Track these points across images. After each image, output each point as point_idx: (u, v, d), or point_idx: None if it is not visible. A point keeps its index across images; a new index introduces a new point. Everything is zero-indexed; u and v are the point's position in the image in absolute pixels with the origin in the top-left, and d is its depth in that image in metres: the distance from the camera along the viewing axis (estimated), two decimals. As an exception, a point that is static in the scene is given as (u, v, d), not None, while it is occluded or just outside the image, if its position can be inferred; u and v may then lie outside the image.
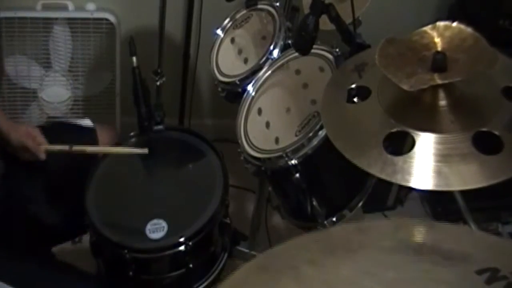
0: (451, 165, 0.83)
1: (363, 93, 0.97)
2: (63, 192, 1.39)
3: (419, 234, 0.66)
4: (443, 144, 0.85)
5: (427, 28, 0.91)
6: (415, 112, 0.90)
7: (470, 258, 0.60)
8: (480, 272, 0.58)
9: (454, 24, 0.89)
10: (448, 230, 0.66)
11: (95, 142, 1.45)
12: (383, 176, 0.85)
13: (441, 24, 0.90)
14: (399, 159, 0.85)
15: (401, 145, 0.91)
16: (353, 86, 1.00)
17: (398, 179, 0.84)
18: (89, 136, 1.46)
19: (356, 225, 0.68)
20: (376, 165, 0.86)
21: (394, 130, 0.88)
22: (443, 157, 0.84)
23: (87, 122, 1.55)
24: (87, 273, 1.34)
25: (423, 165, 0.84)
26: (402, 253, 0.62)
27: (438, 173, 0.82)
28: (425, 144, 0.85)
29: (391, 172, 0.84)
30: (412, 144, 0.86)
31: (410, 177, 0.83)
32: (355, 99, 1.00)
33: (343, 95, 1.00)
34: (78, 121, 1.62)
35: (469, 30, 0.88)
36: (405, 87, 0.84)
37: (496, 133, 0.84)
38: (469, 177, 0.82)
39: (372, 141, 0.89)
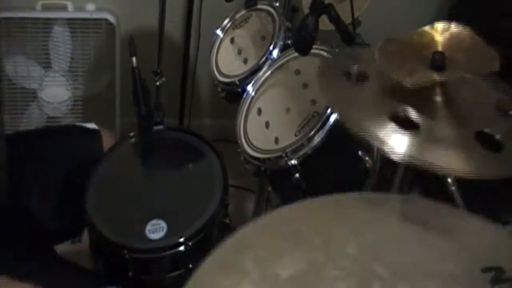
0: (451, 152, 0.82)
1: (360, 78, 0.96)
2: (63, 191, 1.39)
3: (429, 214, 0.65)
4: (444, 133, 0.84)
5: (426, 28, 0.91)
6: (415, 102, 0.89)
7: (477, 252, 0.60)
8: (485, 270, 0.57)
9: (453, 24, 0.89)
10: (457, 213, 0.65)
11: (99, 145, 1.45)
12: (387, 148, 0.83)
13: (439, 24, 0.90)
14: (404, 137, 0.83)
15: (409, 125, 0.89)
16: (351, 70, 0.99)
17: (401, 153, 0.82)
18: (93, 139, 1.47)
19: (365, 197, 0.67)
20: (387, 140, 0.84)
21: (399, 111, 0.87)
22: (449, 142, 0.83)
23: (92, 126, 1.55)
24: (88, 270, 1.34)
25: (425, 145, 0.82)
26: (411, 229, 0.62)
27: (441, 156, 0.81)
28: (428, 130, 0.84)
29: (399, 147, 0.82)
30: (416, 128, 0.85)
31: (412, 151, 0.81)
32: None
33: (340, 76, 0.98)
34: (83, 124, 1.62)
35: (467, 31, 0.88)
36: (407, 84, 0.84)
37: (497, 136, 0.84)
38: (467, 167, 0.81)
39: (378, 118, 0.86)
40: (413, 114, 0.86)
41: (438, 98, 0.89)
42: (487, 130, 0.85)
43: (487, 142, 0.84)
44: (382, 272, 0.57)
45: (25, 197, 1.34)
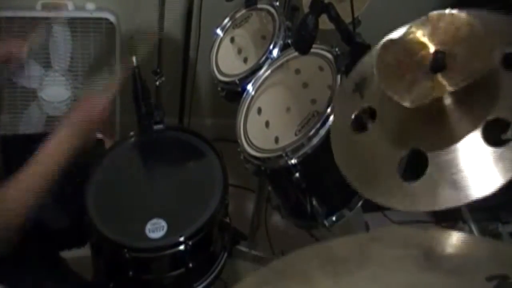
0: (468, 173, 0.80)
1: (369, 115, 0.94)
2: (65, 194, 1.39)
3: (430, 242, 0.66)
4: (455, 153, 0.82)
5: (420, 22, 0.89)
6: (423, 125, 0.87)
7: (481, 265, 0.60)
8: (490, 278, 0.57)
9: (447, 11, 0.87)
10: (457, 237, 0.66)
11: (101, 145, 1.45)
12: (405, 208, 0.81)
13: (434, 14, 0.89)
14: (416, 185, 0.82)
15: (416, 165, 0.87)
16: (357, 112, 0.96)
17: (421, 207, 0.81)
18: (95, 148, 1.46)
19: (367, 235, 0.68)
20: (396, 197, 0.83)
21: (405, 153, 0.85)
22: (459, 167, 0.81)
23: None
24: (91, 282, 1.35)
25: (441, 183, 0.80)
26: (413, 262, 0.62)
27: (460, 186, 0.79)
28: (438, 160, 0.82)
29: (410, 202, 0.81)
30: (426, 164, 0.83)
31: (432, 199, 0.80)
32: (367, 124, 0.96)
33: (349, 124, 0.97)
34: None
35: (462, 16, 0.85)
36: (406, 103, 0.82)
37: (504, 117, 0.81)
38: (488, 178, 0.79)
39: (387, 169, 0.86)
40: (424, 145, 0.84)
41: (448, 101, 0.86)
42: (493, 116, 0.82)
43: (496, 132, 0.82)
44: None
45: None
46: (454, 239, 0.66)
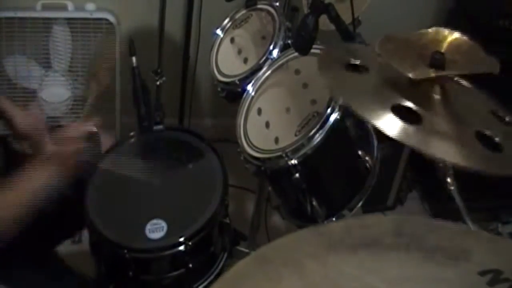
0: (456, 143, 0.83)
1: (361, 69, 0.96)
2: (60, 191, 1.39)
3: (421, 232, 0.66)
4: (445, 124, 0.85)
5: (425, 31, 0.91)
6: (416, 96, 0.89)
7: (473, 258, 0.60)
8: (483, 273, 0.58)
9: (452, 31, 0.90)
10: (451, 229, 0.66)
11: (98, 147, 1.45)
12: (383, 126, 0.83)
13: (439, 29, 0.91)
14: (410, 127, 0.84)
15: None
16: (351, 62, 0.99)
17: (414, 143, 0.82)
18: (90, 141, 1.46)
19: (357, 221, 0.68)
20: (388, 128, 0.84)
21: (402, 102, 0.87)
22: (449, 136, 0.83)
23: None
24: (88, 277, 1.34)
25: (432, 135, 0.83)
26: (404, 250, 0.62)
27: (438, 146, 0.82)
28: (430, 123, 0.85)
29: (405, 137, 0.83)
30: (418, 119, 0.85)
31: (426, 142, 0.82)
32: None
33: (341, 67, 0.98)
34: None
35: (466, 38, 0.88)
36: (410, 74, 0.84)
37: (496, 139, 0.84)
38: (463, 156, 0.82)
39: (380, 107, 0.87)
40: (414, 107, 0.86)
41: (437, 96, 0.89)
42: (487, 133, 0.85)
43: (487, 143, 0.84)
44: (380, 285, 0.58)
45: None
46: (448, 230, 0.66)
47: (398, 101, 0.87)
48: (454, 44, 0.89)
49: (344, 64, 0.98)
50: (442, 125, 0.85)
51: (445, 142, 0.83)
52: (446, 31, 0.91)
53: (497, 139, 0.84)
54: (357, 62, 0.98)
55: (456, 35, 0.90)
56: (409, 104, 0.87)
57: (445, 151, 0.82)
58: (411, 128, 0.83)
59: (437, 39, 0.90)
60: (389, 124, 0.83)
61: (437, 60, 0.86)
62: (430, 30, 0.91)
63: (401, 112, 0.86)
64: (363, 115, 0.85)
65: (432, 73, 0.85)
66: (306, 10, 1.33)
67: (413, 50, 0.89)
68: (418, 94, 0.89)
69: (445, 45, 0.89)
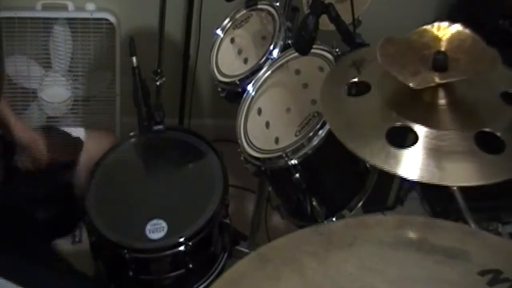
0: (454, 161, 0.83)
1: (363, 88, 0.97)
2: (56, 188, 1.39)
3: (422, 231, 0.66)
4: (445, 141, 0.85)
5: (427, 27, 0.91)
6: (416, 108, 0.90)
7: (473, 259, 0.60)
8: (482, 273, 0.58)
9: (453, 25, 0.89)
10: (451, 229, 0.66)
11: (76, 152, 1.45)
12: (386, 167, 0.84)
13: (440, 24, 0.90)
14: (402, 152, 0.85)
15: (403, 139, 0.90)
16: (353, 80, 1.00)
17: (401, 172, 0.83)
18: (73, 144, 1.47)
19: (357, 221, 0.68)
20: (379, 157, 0.86)
21: (398, 124, 0.88)
22: (446, 153, 0.84)
23: (79, 132, 1.54)
24: (86, 275, 1.34)
25: (427, 159, 0.84)
26: (404, 250, 0.62)
27: (442, 168, 0.82)
28: (428, 140, 0.85)
29: (394, 164, 0.84)
30: (416, 138, 0.86)
31: (414, 170, 0.83)
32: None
33: (343, 89, 1.00)
34: (71, 129, 1.62)
35: (467, 31, 0.88)
36: (412, 84, 0.84)
37: (498, 134, 0.84)
38: (471, 174, 0.82)
39: (375, 133, 0.88)
40: (415, 125, 0.87)
41: (442, 101, 0.89)
42: (488, 129, 0.85)
43: (488, 143, 0.84)
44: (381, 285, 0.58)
45: (13, 196, 1.33)
46: (448, 230, 0.66)
47: (397, 124, 0.88)
48: (456, 40, 0.88)
49: (347, 83, 0.99)
50: (444, 140, 0.85)
51: (447, 162, 0.83)
52: (446, 24, 0.90)
53: (498, 133, 0.84)
54: (357, 80, 0.99)
55: (457, 27, 0.89)
56: (409, 124, 0.88)
57: (448, 172, 0.82)
58: (404, 152, 0.84)
59: (438, 36, 0.89)
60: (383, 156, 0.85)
61: (439, 61, 0.86)
62: (430, 26, 0.91)
63: (399, 133, 0.87)
64: (357, 153, 0.88)
65: (434, 79, 0.85)
66: (306, 10, 1.33)
67: (415, 52, 0.89)
68: (421, 105, 0.89)
69: (446, 42, 0.89)
